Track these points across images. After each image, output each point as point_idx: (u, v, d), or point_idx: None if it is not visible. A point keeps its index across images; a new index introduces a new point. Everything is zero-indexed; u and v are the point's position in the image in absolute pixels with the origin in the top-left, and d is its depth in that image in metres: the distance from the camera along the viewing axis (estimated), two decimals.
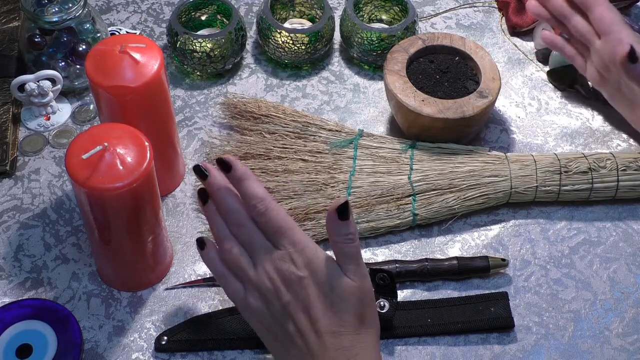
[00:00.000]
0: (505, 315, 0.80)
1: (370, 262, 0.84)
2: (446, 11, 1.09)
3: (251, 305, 0.71)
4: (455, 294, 0.82)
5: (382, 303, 0.77)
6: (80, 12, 0.93)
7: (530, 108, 0.98)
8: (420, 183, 0.87)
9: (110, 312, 0.80)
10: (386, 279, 0.77)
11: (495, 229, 0.88)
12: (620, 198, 0.88)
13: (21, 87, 0.93)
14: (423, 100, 0.89)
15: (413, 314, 0.80)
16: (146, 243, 0.78)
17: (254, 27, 1.04)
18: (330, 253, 0.71)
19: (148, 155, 0.71)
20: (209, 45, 0.96)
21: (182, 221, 0.87)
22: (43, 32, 0.94)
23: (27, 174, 0.91)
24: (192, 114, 0.97)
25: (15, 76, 0.93)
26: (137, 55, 0.77)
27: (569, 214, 0.89)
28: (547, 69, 1.02)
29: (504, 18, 1.08)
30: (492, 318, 0.80)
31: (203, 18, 1.03)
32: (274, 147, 0.90)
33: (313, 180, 0.87)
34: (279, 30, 0.98)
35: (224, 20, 1.03)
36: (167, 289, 0.82)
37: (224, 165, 0.72)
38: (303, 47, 0.98)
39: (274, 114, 0.93)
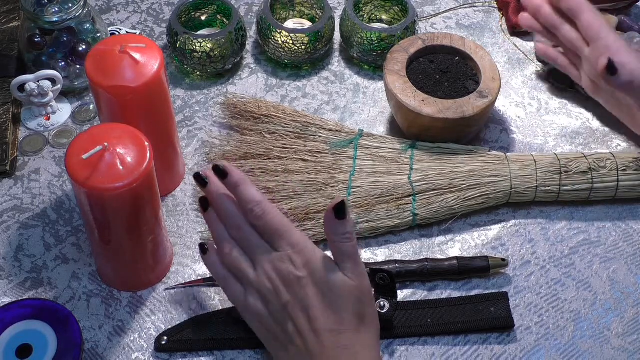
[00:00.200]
0: (505, 315, 0.80)
1: (370, 262, 0.84)
2: (446, 11, 1.09)
3: (251, 307, 0.72)
4: (455, 294, 0.82)
5: (382, 303, 0.77)
6: (80, 12, 0.93)
7: (530, 108, 0.98)
8: (420, 183, 0.87)
9: (110, 312, 0.80)
10: (386, 279, 0.77)
11: (495, 229, 0.88)
12: (620, 198, 0.88)
13: (21, 87, 0.93)
14: (423, 100, 0.89)
15: (413, 314, 0.80)
16: (146, 243, 0.78)
17: (254, 27, 1.04)
18: (328, 253, 0.71)
19: (148, 155, 0.71)
20: (209, 45, 0.96)
21: (182, 221, 0.87)
22: (43, 32, 0.94)
23: (27, 174, 0.91)
24: (192, 114, 0.97)
25: (15, 76, 0.93)
26: (137, 55, 0.77)
27: (569, 214, 0.89)
28: (547, 69, 1.02)
29: (504, 18, 1.08)
30: (492, 318, 0.80)
31: (203, 18, 1.03)
32: (274, 147, 0.90)
33: (313, 180, 0.87)
34: (279, 30, 0.98)
35: (224, 20, 1.03)
36: (167, 289, 0.82)
37: (220, 172, 0.73)
38: (303, 47, 0.98)
39: (274, 114, 0.93)
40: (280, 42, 0.98)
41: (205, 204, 0.76)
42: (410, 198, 0.86)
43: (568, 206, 0.89)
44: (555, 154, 0.89)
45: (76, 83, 0.97)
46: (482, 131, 0.96)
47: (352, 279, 0.70)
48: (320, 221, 0.85)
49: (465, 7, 1.10)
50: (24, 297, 0.81)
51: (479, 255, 0.84)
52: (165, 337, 0.78)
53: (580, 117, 0.97)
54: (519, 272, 0.84)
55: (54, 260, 0.84)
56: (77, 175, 0.70)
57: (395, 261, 0.83)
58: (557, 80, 1.00)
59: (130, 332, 0.79)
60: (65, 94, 0.97)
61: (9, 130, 0.92)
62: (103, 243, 0.77)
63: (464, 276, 0.83)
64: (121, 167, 0.70)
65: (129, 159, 0.71)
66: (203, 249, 0.76)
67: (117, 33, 1.03)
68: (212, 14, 1.03)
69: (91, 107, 0.97)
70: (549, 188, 0.87)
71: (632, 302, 0.82)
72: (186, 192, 0.90)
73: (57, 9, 0.94)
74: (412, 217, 0.86)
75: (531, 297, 0.82)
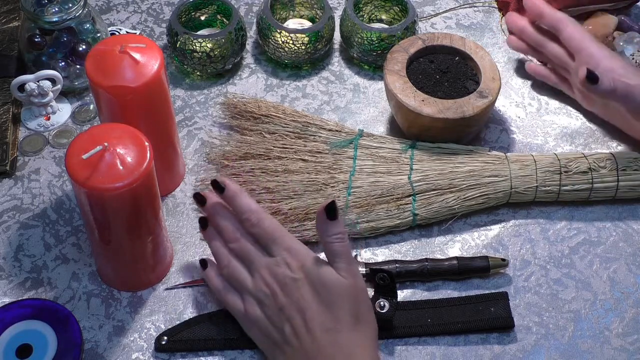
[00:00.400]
0: (505, 315, 0.80)
1: (370, 262, 0.84)
2: (446, 11, 1.09)
3: (250, 314, 0.74)
4: (455, 294, 0.82)
5: (382, 303, 0.77)
6: (80, 12, 0.93)
7: (530, 108, 0.98)
8: (420, 183, 0.87)
9: (110, 312, 0.80)
10: (386, 279, 0.77)
11: (495, 229, 0.88)
12: (620, 198, 0.88)
13: (21, 87, 0.93)
14: (423, 100, 0.89)
15: (413, 314, 0.80)
16: (146, 243, 0.78)
17: (254, 27, 1.04)
18: (322, 255, 0.73)
19: (148, 155, 0.71)
20: (209, 45, 0.96)
21: (182, 221, 0.87)
22: (43, 32, 0.94)
23: (27, 174, 0.91)
24: (192, 114, 0.97)
25: (15, 76, 0.93)
26: (137, 55, 0.77)
27: (569, 214, 0.89)
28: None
29: (504, 18, 1.08)
30: (492, 318, 0.80)
31: (203, 18, 1.03)
32: (274, 147, 0.90)
33: (313, 180, 0.87)
34: (279, 30, 0.98)
35: (224, 20, 1.03)
36: (167, 289, 0.82)
37: (218, 186, 0.77)
38: (303, 47, 0.98)
39: (274, 114, 0.93)
40: (280, 42, 0.98)
41: (204, 223, 0.79)
42: (410, 198, 0.86)
43: (568, 206, 0.89)
44: (555, 154, 0.89)
45: (76, 83, 0.97)
46: (482, 131, 0.96)
47: (346, 277, 0.71)
48: None
49: (465, 7, 1.10)
50: (24, 297, 0.81)
51: (479, 255, 0.84)
52: (165, 337, 0.78)
53: (580, 117, 0.97)
54: (519, 272, 0.84)
55: (54, 260, 0.84)
56: (77, 175, 0.70)
57: (395, 261, 0.83)
58: None
59: (130, 332, 0.79)
60: (65, 94, 0.97)
61: (9, 130, 0.92)
62: (103, 243, 0.77)
63: (464, 276, 0.83)
64: (121, 167, 0.70)
65: (129, 159, 0.71)
66: (203, 264, 0.79)
67: (117, 33, 1.03)
68: (212, 14, 1.03)
69: (91, 107, 0.97)
70: (549, 188, 0.87)
71: (632, 302, 0.82)
72: (186, 192, 0.90)
73: (57, 9, 0.94)
74: (412, 217, 0.86)
75: (531, 297, 0.82)
